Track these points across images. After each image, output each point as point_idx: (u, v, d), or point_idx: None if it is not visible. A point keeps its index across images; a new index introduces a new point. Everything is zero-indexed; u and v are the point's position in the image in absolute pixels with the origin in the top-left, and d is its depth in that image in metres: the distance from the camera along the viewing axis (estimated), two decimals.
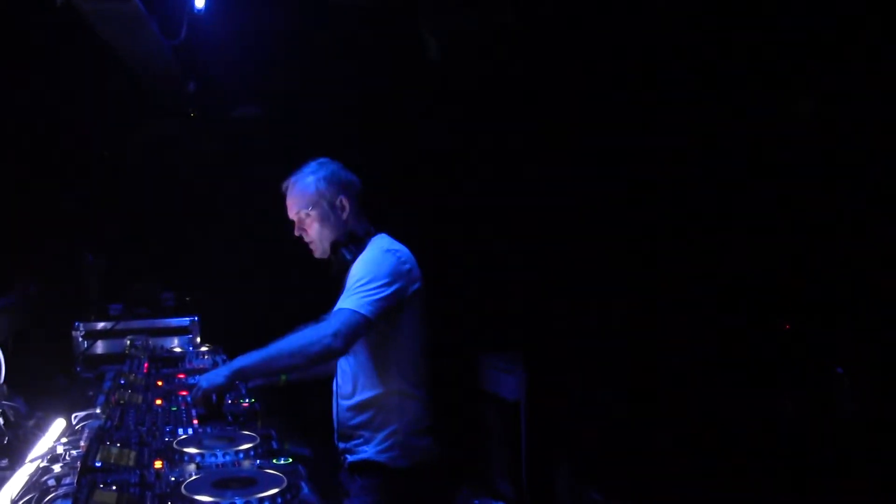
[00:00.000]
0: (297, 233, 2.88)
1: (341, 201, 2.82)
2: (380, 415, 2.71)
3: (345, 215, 2.83)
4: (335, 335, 2.52)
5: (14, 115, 4.49)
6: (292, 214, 2.87)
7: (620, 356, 4.80)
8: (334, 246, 2.82)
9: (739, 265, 4.66)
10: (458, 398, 5.03)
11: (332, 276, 2.83)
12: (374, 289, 2.61)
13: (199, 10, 3.89)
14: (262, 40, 4.82)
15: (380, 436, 2.71)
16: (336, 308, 2.63)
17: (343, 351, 2.59)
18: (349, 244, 2.80)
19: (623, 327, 4.88)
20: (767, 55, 4.34)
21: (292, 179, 2.88)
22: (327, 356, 2.62)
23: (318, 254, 2.88)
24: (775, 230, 4.52)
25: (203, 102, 5.33)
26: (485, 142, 5.38)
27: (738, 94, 4.52)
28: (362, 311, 2.57)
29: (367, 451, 2.72)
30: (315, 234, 2.84)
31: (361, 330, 2.59)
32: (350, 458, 2.76)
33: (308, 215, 2.83)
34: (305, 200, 2.83)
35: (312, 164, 2.88)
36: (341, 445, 2.82)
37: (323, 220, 2.82)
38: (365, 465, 2.72)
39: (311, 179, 2.84)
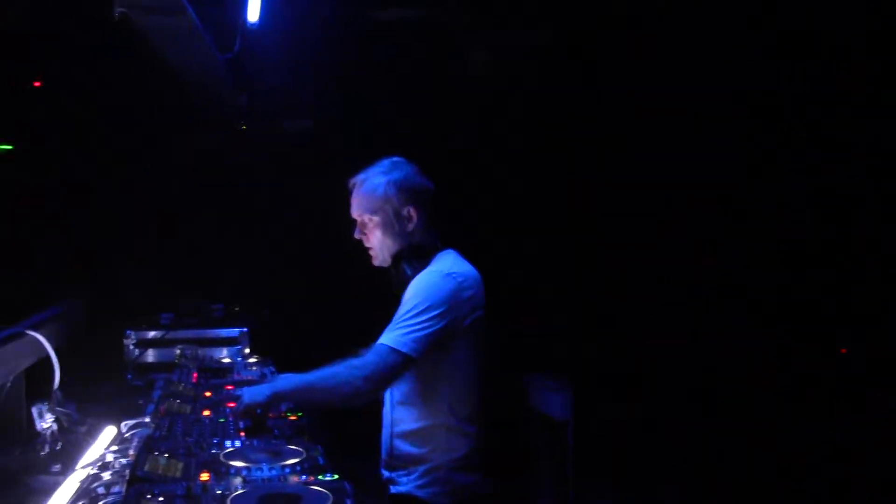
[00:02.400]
0: (357, 236, 2.69)
1: (409, 211, 2.60)
2: (423, 448, 2.55)
3: (411, 226, 2.61)
4: (367, 379, 2.37)
5: (67, 126, 4.59)
6: (355, 215, 2.68)
7: (671, 375, 4.73)
8: (396, 258, 2.62)
9: (796, 286, 4.58)
10: (505, 417, 4.99)
11: (390, 290, 2.64)
12: (423, 322, 2.42)
13: (253, 24, 3.94)
14: (312, 53, 4.86)
15: (421, 469, 2.55)
16: (378, 342, 2.44)
17: (375, 394, 2.46)
18: (412, 258, 2.59)
19: (674, 346, 4.82)
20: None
21: (361, 177, 2.67)
22: (359, 399, 2.43)
23: (376, 262, 2.69)
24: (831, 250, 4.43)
25: (253, 115, 5.39)
26: (532, 157, 5.37)
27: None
28: (403, 350, 2.39)
29: (408, 485, 2.56)
30: (376, 241, 2.64)
31: (400, 370, 2.42)
32: (393, 488, 2.61)
33: (370, 220, 2.62)
34: (370, 204, 2.62)
35: (385, 163, 2.67)
36: (385, 474, 2.66)
37: (386, 228, 2.61)
38: (405, 499, 2.57)
39: (380, 181, 2.62)
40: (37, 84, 4.72)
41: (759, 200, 4.72)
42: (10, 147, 4.92)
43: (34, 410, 2.57)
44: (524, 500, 5.11)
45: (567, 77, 5.02)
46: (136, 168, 5.14)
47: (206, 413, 2.60)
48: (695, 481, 4.36)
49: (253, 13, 3.85)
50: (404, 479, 2.58)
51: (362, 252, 2.77)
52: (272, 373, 3.34)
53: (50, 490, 2.24)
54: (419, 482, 2.55)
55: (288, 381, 2.52)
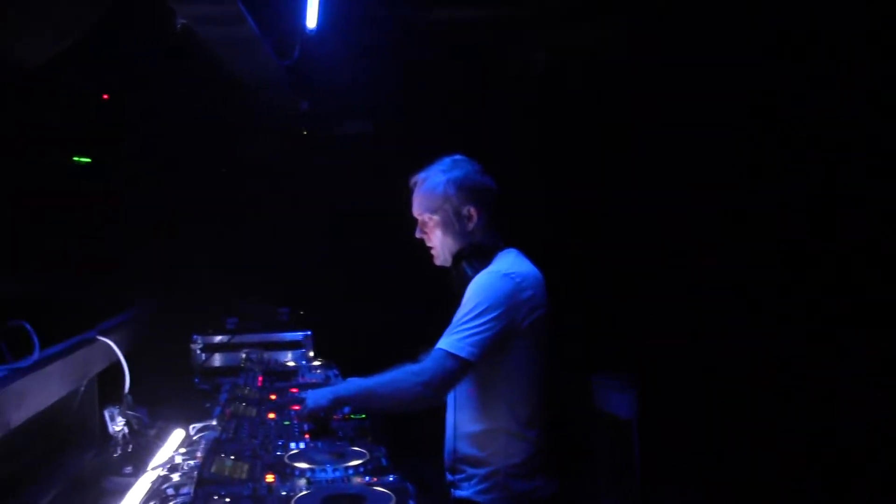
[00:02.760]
0: (417, 235, 2.68)
1: (469, 210, 2.57)
2: (484, 451, 2.51)
3: (471, 226, 2.58)
4: (427, 384, 2.35)
5: (134, 136, 4.70)
6: (415, 214, 2.67)
7: (736, 373, 4.64)
8: (456, 257, 2.59)
9: (870, 276, 4.44)
10: (570, 417, 4.95)
11: (451, 289, 2.61)
12: (480, 325, 2.38)
13: (311, 31, 3.98)
14: (371, 57, 4.90)
15: (481, 473, 2.50)
16: (436, 346, 2.41)
17: (436, 400, 2.43)
18: (472, 258, 2.56)
19: (741, 344, 4.72)
20: None
21: (421, 176, 2.65)
22: (419, 404, 2.43)
23: (437, 261, 2.67)
24: None
25: (314, 120, 5.45)
26: (595, 156, 5.32)
27: None
28: (461, 354, 2.36)
29: (468, 490, 2.53)
30: (436, 240, 2.63)
31: (459, 375, 2.39)
32: (454, 492, 2.59)
33: (431, 219, 2.61)
34: (430, 203, 2.61)
35: (446, 161, 2.64)
36: (448, 477, 2.63)
37: (446, 227, 2.59)
38: None
39: (440, 179, 2.60)
40: (105, 97, 4.85)
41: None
42: (88, 160, 5.05)
43: (106, 414, 2.64)
44: (590, 501, 5.07)
45: (625, 76, 4.96)
46: (202, 175, 5.23)
47: (272, 416, 2.63)
48: (768, 483, 4.27)
49: (311, 19, 3.89)
50: (465, 485, 2.56)
51: (424, 253, 2.76)
52: (336, 376, 3.38)
53: (122, 491, 2.29)
54: (479, 487, 2.52)
55: (350, 385, 2.53)
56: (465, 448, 2.56)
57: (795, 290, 4.51)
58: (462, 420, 2.57)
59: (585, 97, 5.20)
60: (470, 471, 2.55)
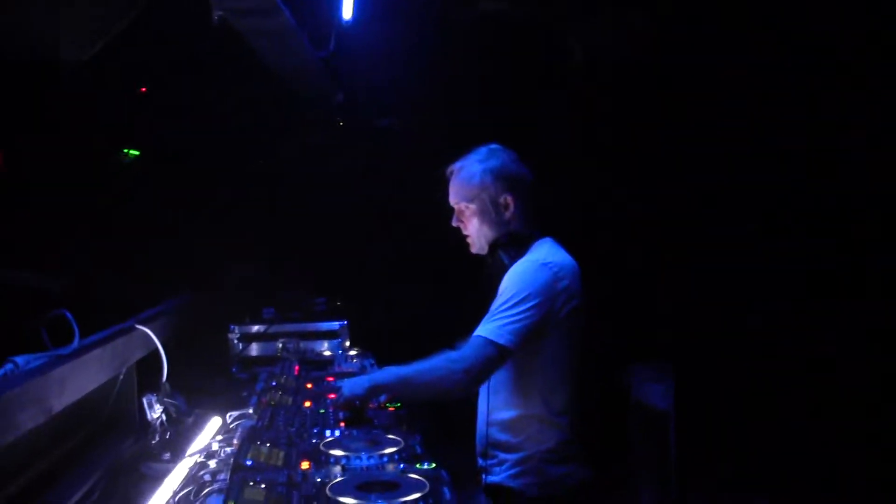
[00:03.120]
0: (454, 223, 2.70)
1: (506, 199, 2.59)
2: (516, 437, 2.54)
3: (508, 214, 2.60)
4: (466, 372, 2.37)
5: (173, 127, 4.75)
6: (452, 202, 2.69)
7: (774, 364, 4.58)
8: (493, 246, 2.61)
9: None
10: (606, 408, 4.91)
11: (487, 278, 2.61)
12: (519, 313, 2.40)
13: (347, 22, 3.98)
14: (408, 49, 4.89)
15: (513, 458, 2.54)
16: (475, 333, 2.44)
17: (474, 386, 2.45)
18: (509, 247, 2.58)
19: (778, 334, 4.66)
20: None
21: (458, 165, 2.68)
22: (458, 392, 2.45)
23: (474, 250, 2.70)
24: None
25: (350, 111, 5.46)
26: (630, 146, 5.27)
27: None
28: (500, 342, 2.38)
29: (500, 475, 2.55)
30: (473, 229, 2.65)
31: (497, 362, 2.41)
32: (486, 478, 2.60)
33: (467, 208, 2.63)
34: (466, 192, 2.63)
35: (483, 150, 2.66)
36: (480, 462, 2.65)
37: (482, 216, 2.61)
38: (498, 490, 2.56)
39: (476, 169, 2.62)
40: (143, 90, 4.90)
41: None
42: (137, 153, 5.13)
43: (144, 401, 2.66)
44: (627, 491, 5.03)
45: (660, 67, 4.90)
46: (239, 166, 5.27)
47: (307, 404, 2.65)
48: (806, 474, 4.21)
49: (347, 10, 3.90)
50: (496, 470, 2.57)
51: (461, 244, 2.76)
52: (371, 365, 3.39)
53: (160, 477, 2.32)
54: (511, 472, 2.54)
55: (387, 373, 2.55)
56: (498, 434, 2.57)
57: (845, 278, 4.43)
58: (495, 406, 2.58)
59: (619, 90, 5.15)
60: (502, 456, 2.57)
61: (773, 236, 4.79)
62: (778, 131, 4.64)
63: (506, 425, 2.56)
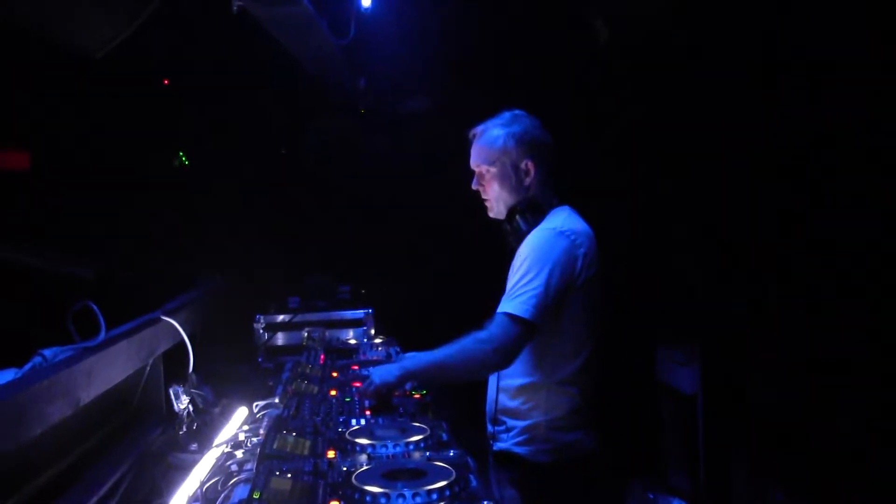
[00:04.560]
0: (474, 186, 2.69)
1: (527, 164, 2.59)
2: (525, 405, 2.53)
3: (528, 180, 2.60)
4: (496, 350, 2.37)
5: (197, 118, 4.77)
6: (473, 165, 2.68)
7: (803, 348, 4.52)
8: (511, 211, 2.60)
9: None
10: (635, 390, 4.89)
11: (506, 243, 2.63)
12: (540, 285, 2.39)
13: (367, 9, 3.97)
14: (428, 35, 4.86)
15: (521, 425, 2.53)
16: (498, 310, 2.43)
17: (507, 365, 2.43)
18: (526, 213, 2.57)
19: (806, 319, 4.59)
20: None
21: (480, 128, 2.67)
22: (490, 370, 2.51)
23: (492, 214, 2.69)
24: None
25: (372, 98, 5.45)
26: (659, 127, 5.20)
27: None
28: (525, 316, 2.37)
29: (507, 442, 2.55)
30: (492, 193, 2.64)
31: (526, 337, 2.40)
32: (495, 445, 2.61)
33: (488, 171, 2.62)
34: (488, 155, 2.62)
35: (506, 115, 2.66)
36: (489, 429, 2.65)
37: (502, 180, 2.60)
38: (506, 457, 2.56)
39: (499, 133, 2.61)
40: (166, 82, 4.92)
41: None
42: (186, 161, 5.16)
43: (171, 392, 2.68)
44: (654, 473, 5.02)
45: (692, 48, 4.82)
46: (263, 156, 5.28)
47: (333, 393, 2.65)
48: (831, 457, 4.16)
49: None
50: (504, 437, 2.57)
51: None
52: (397, 353, 3.38)
53: (188, 467, 2.33)
54: (518, 439, 2.54)
55: (417, 360, 2.54)
56: (507, 401, 2.58)
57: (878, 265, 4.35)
58: (506, 373, 2.57)
59: (644, 73, 5.08)
60: (510, 423, 2.57)
61: (807, 217, 4.70)
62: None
63: (516, 392, 2.55)
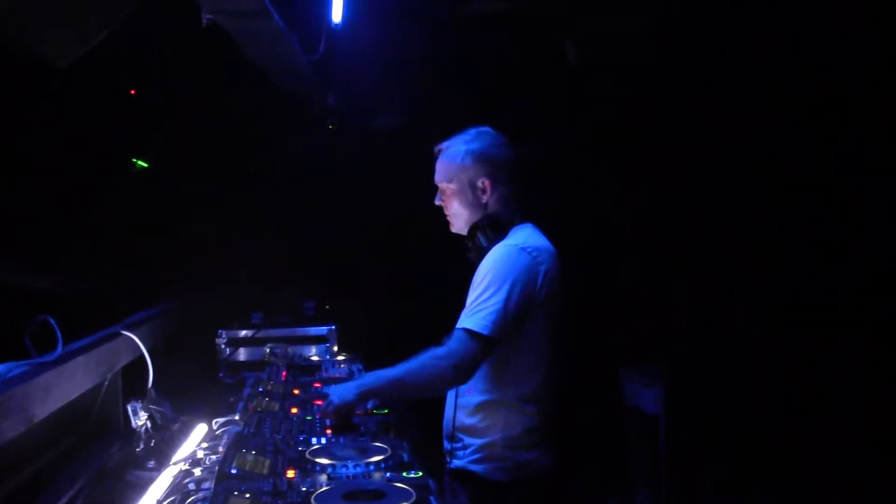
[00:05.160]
0: (436, 202, 2.71)
1: (483, 182, 2.59)
2: (483, 423, 2.51)
3: (485, 198, 2.60)
4: (454, 366, 2.37)
5: (162, 130, 4.73)
6: (436, 181, 2.70)
7: (763, 370, 4.58)
8: (472, 228, 2.61)
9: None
10: (600, 411, 4.91)
11: (467, 259, 2.62)
12: (500, 301, 2.38)
13: (337, 25, 3.97)
14: (399, 51, 4.87)
15: (477, 443, 2.52)
16: (457, 325, 2.42)
17: (465, 381, 2.43)
18: (488, 229, 2.57)
19: (766, 339, 4.65)
20: None
21: (445, 144, 2.69)
22: (449, 386, 2.49)
23: (453, 229, 2.70)
24: None
25: (342, 114, 5.44)
26: (625, 145, 5.26)
27: None
28: (483, 332, 2.36)
29: (463, 459, 2.54)
30: (453, 209, 2.66)
31: (484, 353, 2.39)
32: (451, 462, 2.59)
33: (448, 188, 2.64)
34: (447, 172, 2.64)
35: (471, 132, 2.67)
36: (446, 445, 2.63)
37: (461, 197, 2.62)
38: (462, 474, 2.55)
39: (460, 150, 2.63)
40: (132, 92, 4.87)
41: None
42: (146, 165, 5.10)
43: (129, 408, 2.64)
44: (619, 491, 5.04)
45: (663, 68, 4.87)
46: (227, 170, 5.24)
47: (294, 410, 2.62)
48: (791, 475, 4.21)
49: (336, 13, 3.89)
50: (460, 454, 2.56)
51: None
52: (360, 370, 3.36)
53: (145, 485, 2.30)
54: (474, 456, 2.52)
55: (376, 377, 2.52)
56: (465, 418, 2.56)
57: (831, 289, 4.43)
58: (464, 390, 2.56)
59: (614, 91, 5.14)
60: (467, 440, 2.55)
61: (763, 241, 4.78)
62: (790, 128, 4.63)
63: (473, 410, 2.53)
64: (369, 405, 2.60)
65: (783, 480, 4.26)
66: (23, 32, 2.92)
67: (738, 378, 4.61)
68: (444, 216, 2.74)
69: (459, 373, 2.39)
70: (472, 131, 2.67)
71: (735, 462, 4.49)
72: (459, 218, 2.66)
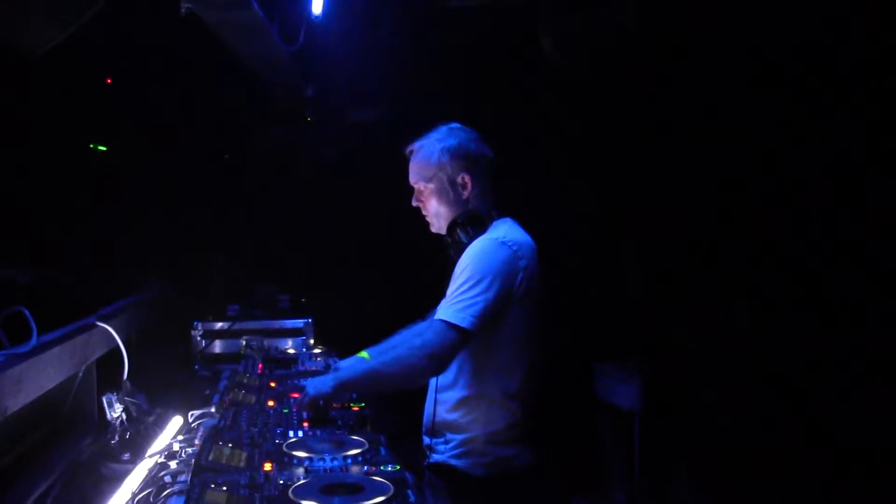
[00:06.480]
0: (414, 203, 2.69)
1: (463, 178, 2.59)
2: (464, 418, 2.51)
3: (466, 194, 2.60)
4: (431, 358, 2.36)
5: (138, 121, 4.69)
6: (412, 182, 2.68)
7: (740, 365, 4.61)
8: (451, 224, 2.60)
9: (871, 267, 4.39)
10: (572, 406, 4.92)
11: (447, 257, 2.61)
12: (479, 293, 2.37)
13: (317, 17, 3.95)
14: (378, 44, 4.85)
15: (458, 438, 2.51)
16: (435, 317, 2.42)
17: (440, 372, 2.44)
18: (467, 225, 2.57)
19: (744, 334, 4.68)
20: None
21: (417, 144, 2.67)
22: (425, 377, 2.50)
23: (433, 229, 2.69)
24: None
25: (320, 107, 5.42)
26: (603, 142, 5.27)
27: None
28: (462, 325, 2.35)
29: (444, 454, 2.54)
30: (432, 209, 2.64)
31: (461, 345, 2.38)
32: (431, 457, 2.59)
33: (426, 187, 2.63)
34: (425, 171, 2.62)
35: (443, 129, 2.66)
36: (426, 440, 2.63)
37: (440, 195, 2.61)
38: (442, 469, 2.55)
39: (435, 148, 2.61)
40: (108, 81, 4.83)
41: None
42: (104, 148, 5.05)
43: (104, 400, 2.62)
44: (593, 488, 5.06)
45: (646, 64, 4.89)
46: (206, 160, 5.21)
47: (271, 403, 2.61)
48: (767, 472, 4.25)
49: (317, 5, 3.87)
50: (441, 448, 2.56)
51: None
52: (336, 363, 3.35)
53: (120, 478, 2.28)
54: (455, 452, 2.52)
55: (351, 370, 2.53)
56: (446, 412, 2.56)
57: (814, 282, 4.46)
58: (444, 385, 2.56)
59: (593, 85, 5.15)
60: (448, 435, 2.55)
61: (747, 230, 4.80)
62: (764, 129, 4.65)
63: (454, 405, 2.53)
64: (345, 397, 2.60)
65: (761, 479, 4.29)
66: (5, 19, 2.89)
67: (715, 375, 4.65)
68: (423, 216, 2.72)
69: (435, 363, 2.39)
70: (443, 128, 2.67)
71: (713, 461, 4.52)
72: (440, 217, 2.64)
